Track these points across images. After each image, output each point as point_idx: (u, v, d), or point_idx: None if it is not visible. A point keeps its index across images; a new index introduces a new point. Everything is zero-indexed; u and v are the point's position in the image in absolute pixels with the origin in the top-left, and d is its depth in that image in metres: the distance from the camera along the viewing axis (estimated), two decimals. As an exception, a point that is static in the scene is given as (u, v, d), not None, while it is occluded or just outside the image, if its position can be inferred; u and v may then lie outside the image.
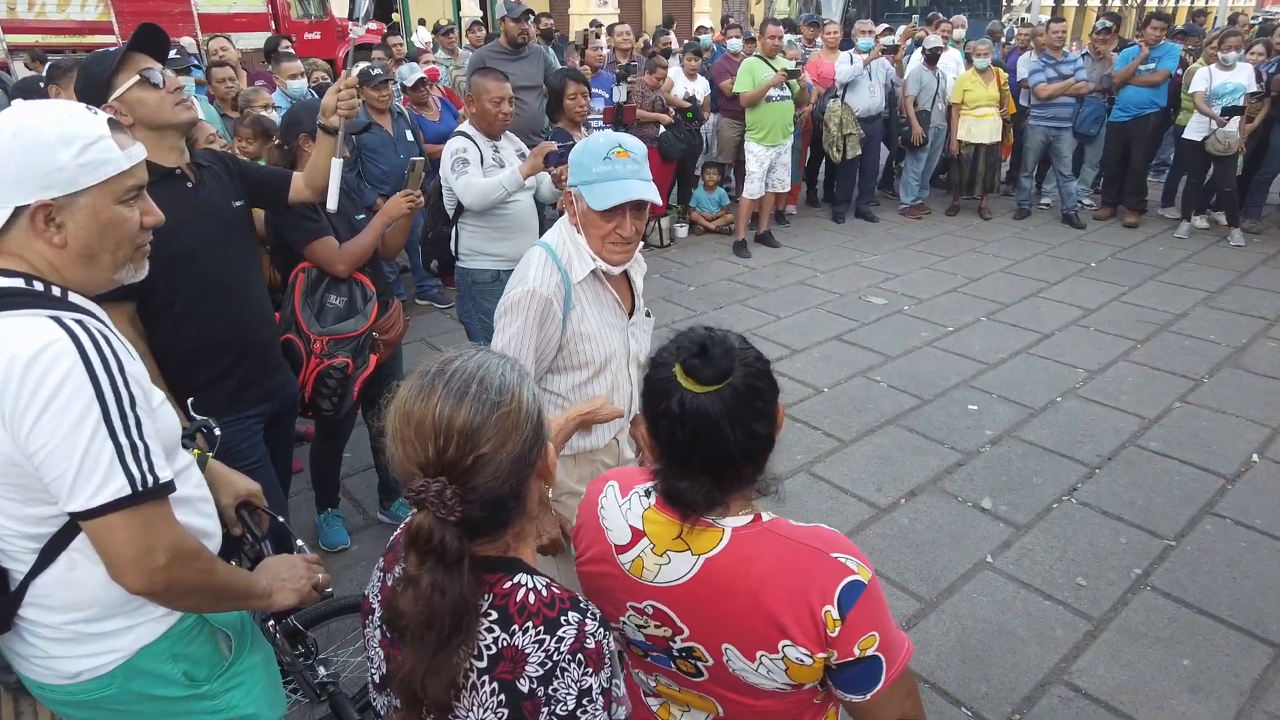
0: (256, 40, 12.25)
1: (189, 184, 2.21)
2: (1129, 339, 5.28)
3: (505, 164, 3.55)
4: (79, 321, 1.25)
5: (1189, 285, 6.23)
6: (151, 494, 1.25)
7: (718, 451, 1.15)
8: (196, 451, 1.66)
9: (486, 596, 1.03)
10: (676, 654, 1.24)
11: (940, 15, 10.11)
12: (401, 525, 1.11)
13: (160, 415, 1.39)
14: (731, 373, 1.14)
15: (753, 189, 6.98)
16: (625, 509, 1.27)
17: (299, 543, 1.82)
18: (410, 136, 5.59)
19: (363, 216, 3.08)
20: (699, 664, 1.23)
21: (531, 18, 5.42)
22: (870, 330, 5.53)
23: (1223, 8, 17.56)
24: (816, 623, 1.12)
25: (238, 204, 2.35)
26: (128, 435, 1.23)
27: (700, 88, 7.53)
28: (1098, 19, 8.01)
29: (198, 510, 1.50)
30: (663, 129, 6.83)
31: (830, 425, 4.27)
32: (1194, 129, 7.02)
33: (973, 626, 2.88)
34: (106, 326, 1.31)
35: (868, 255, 7.15)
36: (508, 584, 1.04)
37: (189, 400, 2.10)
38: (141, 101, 2.04)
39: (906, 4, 17.61)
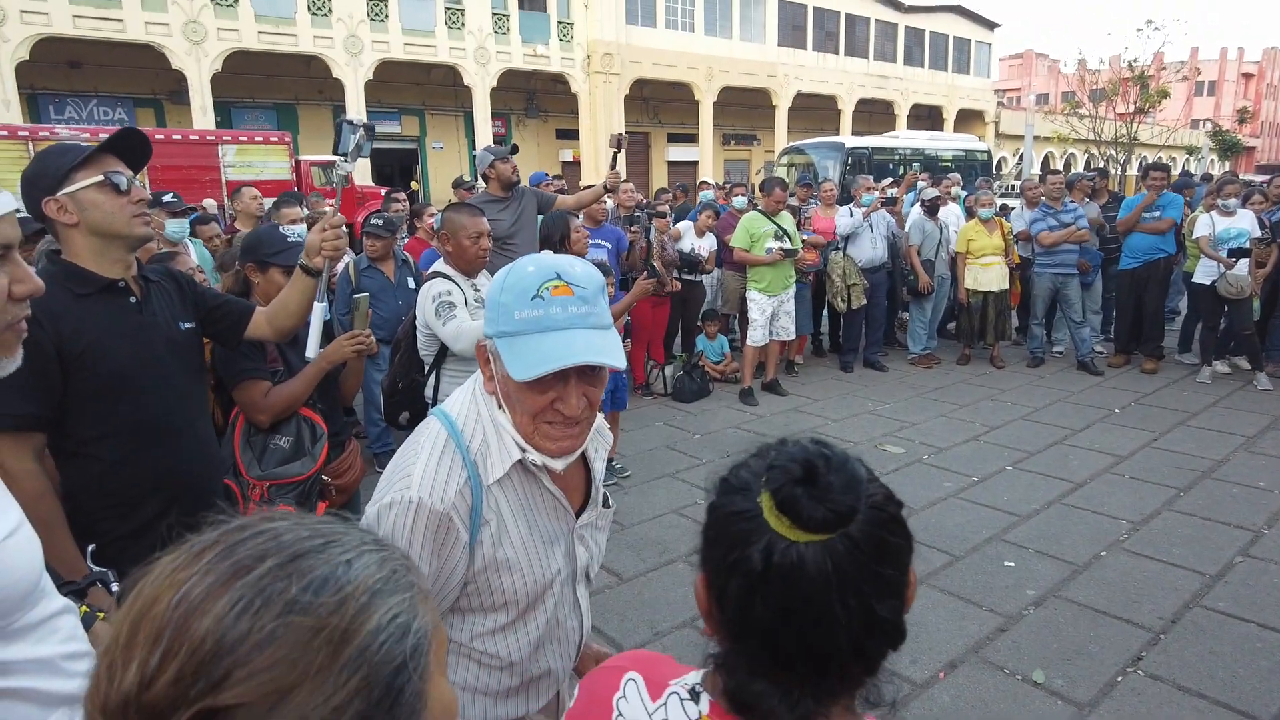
0: (282, 207, 12.65)
1: (132, 298, 1.95)
2: (1170, 486, 4.88)
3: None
4: None
5: (1223, 430, 5.88)
6: None
7: (820, 637, 0.76)
8: (85, 609, 1.36)
9: None
10: None
11: (935, 174, 10.43)
12: None
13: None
14: (854, 515, 0.75)
15: (756, 336, 6.85)
16: (659, 717, 0.86)
17: None
18: (412, 284, 5.52)
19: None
20: None
21: (515, 153, 5.46)
22: (890, 480, 4.98)
23: (1201, 169, 18.30)
24: None
25: (187, 326, 2.09)
26: None
27: (707, 244, 7.60)
28: (1085, 169, 8.16)
29: (60, 670, 1.17)
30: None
31: (852, 584, 3.82)
32: (1203, 273, 6.94)
33: (1044, 837, 2.35)
34: None
35: (880, 404, 6.88)
36: None
37: (90, 548, 1.76)
38: (95, 204, 1.82)
39: (900, 171, 18.51)
